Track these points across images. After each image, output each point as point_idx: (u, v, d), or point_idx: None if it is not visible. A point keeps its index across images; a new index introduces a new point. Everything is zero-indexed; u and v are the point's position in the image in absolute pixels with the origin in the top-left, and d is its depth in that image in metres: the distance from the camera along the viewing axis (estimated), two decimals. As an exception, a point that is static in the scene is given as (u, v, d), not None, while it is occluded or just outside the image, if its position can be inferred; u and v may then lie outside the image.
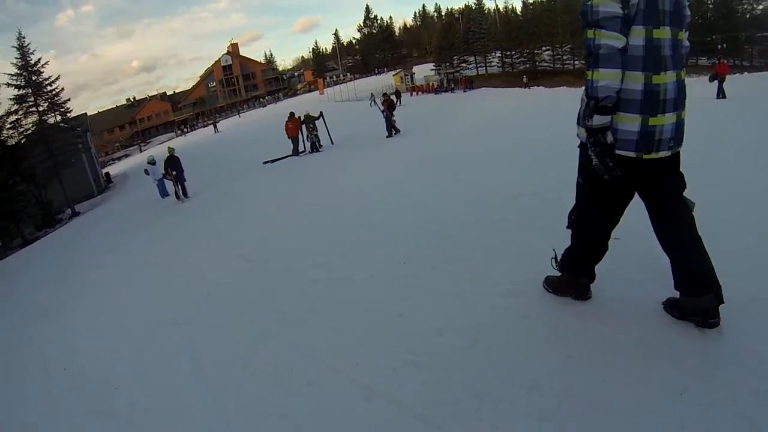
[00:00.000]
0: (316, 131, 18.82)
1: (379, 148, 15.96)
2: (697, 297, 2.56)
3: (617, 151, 2.44)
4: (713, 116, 12.19)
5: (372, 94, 20.71)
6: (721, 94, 19.03)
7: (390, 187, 8.63)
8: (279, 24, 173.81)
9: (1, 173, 27.41)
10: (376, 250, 5.28)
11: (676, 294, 2.71)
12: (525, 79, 51.27)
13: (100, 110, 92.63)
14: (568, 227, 3.01)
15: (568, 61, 59.99)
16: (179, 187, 15.07)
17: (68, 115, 33.72)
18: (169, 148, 16.37)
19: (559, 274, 3.24)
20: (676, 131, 2.42)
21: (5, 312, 8.47)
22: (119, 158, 70.65)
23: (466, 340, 3.17)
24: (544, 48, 61.19)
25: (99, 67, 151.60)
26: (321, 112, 19.36)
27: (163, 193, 17.07)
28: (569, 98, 22.21)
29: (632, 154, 2.42)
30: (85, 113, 44.64)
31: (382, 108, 19.41)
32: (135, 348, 4.66)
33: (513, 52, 62.47)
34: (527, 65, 60.09)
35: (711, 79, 19.52)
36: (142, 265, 8.15)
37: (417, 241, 5.27)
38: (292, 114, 19.70)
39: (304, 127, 18.85)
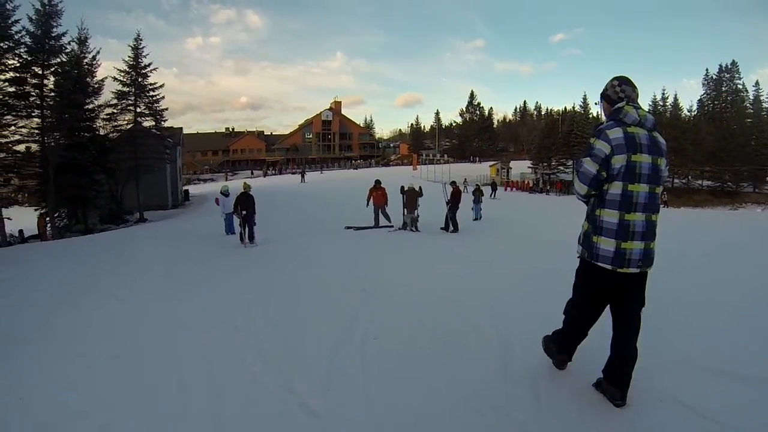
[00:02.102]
0: (417, 209, 16.65)
1: (465, 243, 13.84)
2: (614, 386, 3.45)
3: (599, 264, 3.29)
4: None
5: (443, 184, 18.11)
6: None
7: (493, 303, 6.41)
8: (383, 94, 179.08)
9: (83, 157, 27.58)
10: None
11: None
12: (664, 196, 43.72)
13: (200, 131, 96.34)
14: (563, 312, 3.77)
15: (667, 178, 55.66)
16: (246, 229, 13.21)
17: (163, 123, 34.18)
18: (245, 184, 14.56)
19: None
20: (643, 255, 3.23)
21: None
22: (204, 180, 72.58)
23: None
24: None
25: (211, 94, 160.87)
26: (421, 187, 17.32)
27: (229, 229, 15.44)
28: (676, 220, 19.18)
29: (609, 267, 3.25)
30: (181, 128, 45.74)
31: (447, 199, 16.99)
32: None
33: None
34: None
35: None
36: (155, 325, 5.94)
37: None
38: (378, 182, 17.80)
39: (404, 199, 16.74)
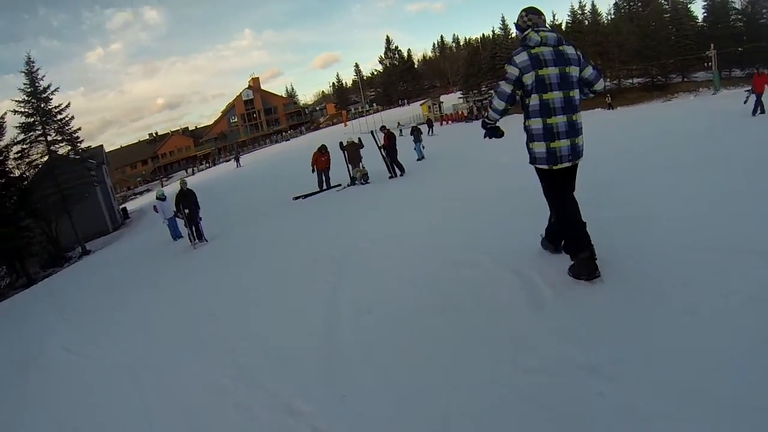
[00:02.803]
0: (361, 161, 16.20)
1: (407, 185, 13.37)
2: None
3: (538, 166, 3.93)
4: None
5: (372, 132, 17.31)
6: (759, 109, 16.13)
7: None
8: (299, 61, 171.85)
9: (2, 206, 25.56)
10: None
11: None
12: (608, 99, 43.41)
13: (122, 145, 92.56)
14: (555, 229, 4.26)
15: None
16: (192, 228, 12.45)
17: (79, 145, 31.52)
18: (181, 181, 13.59)
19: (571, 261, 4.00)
20: (571, 150, 3.81)
21: None
22: (140, 193, 70.18)
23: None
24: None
25: (125, 104, 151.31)
26: (360, 138, 16.87)
27: (175, 234, 14.50)
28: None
29: (545, 167, 3.87)
30: (101, 145, 43.12)
31: (380, 143, 16.02)
32: None
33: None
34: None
35: (747, 99, 16.80)
36: (116, 374, 5.02)
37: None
38: (324, 147, 16.96)
39: (346, 155, 16.26)
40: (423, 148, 21.42)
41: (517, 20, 4.04)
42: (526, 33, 3.85)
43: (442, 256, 5.27)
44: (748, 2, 59.36)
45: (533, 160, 3.92)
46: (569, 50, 3.82)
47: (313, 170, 16.75)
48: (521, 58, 3.74)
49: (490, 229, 6.02)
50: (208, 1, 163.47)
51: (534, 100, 3.75)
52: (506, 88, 3.83)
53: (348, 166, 16.14)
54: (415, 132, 22.31)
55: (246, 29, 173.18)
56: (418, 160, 20.24)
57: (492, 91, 4.00)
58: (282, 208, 14.77)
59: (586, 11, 67.50)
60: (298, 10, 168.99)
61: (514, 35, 71.29)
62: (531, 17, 3.93)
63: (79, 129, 31.16)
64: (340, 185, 16.06)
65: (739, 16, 59.15)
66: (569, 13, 67.60)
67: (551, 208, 4.17)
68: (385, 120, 44.69)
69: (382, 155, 15.85)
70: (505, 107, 3.95)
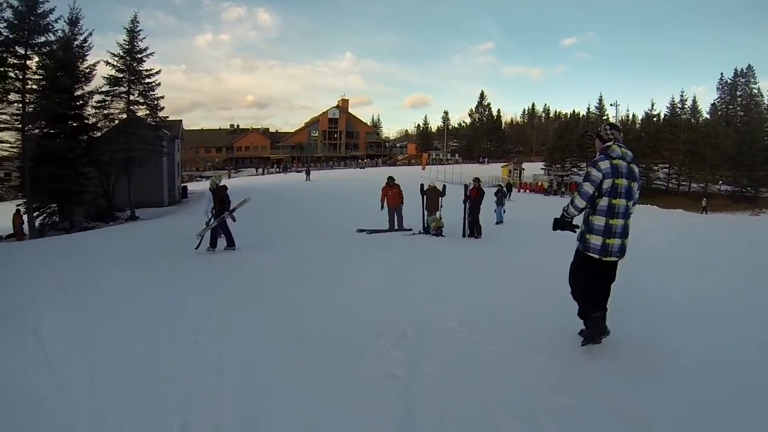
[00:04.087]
0: (439, 211, 14.42)
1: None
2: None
3: (589, 254, 4.28)
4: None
5: (466, 184, 15.17)
6: None
7: None
8: (391, 95, 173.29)
9: (66, 147, 25.16)
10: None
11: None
12: (704, 202, 43.72)
13: (204, 128, 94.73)
14: (572, 296, 4.54)
15: (684, 182, 57.80)
16: (220, 229, 11.17)
17: (159, 113, 31.49)
18: (212, 179, 12.08)
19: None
20: (620, 249, 4.27)
21: None
22: (207, 177, 70.24)
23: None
24: (661, 165, 58.61)
25: (218, 91, 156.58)
26: (444, 186, 15.16)
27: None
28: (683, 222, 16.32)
29: (596, 256, 4.26)
30: (180, 120, 43.94)
31: (467, 194, 14.44)
32: None
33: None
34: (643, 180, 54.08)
35: None
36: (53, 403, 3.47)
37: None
38: (391, 179, 15.35)
39: (424, 200, 14.61)
40: (504, 212, 19.60)
41: (600, 131, 4.57)
42: (609, 144, 4.33)
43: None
44: None
45: (587, 248, 4.31)
46: (636, 169, 4.37)
47: (382, 207, 15.18)
48: (605, 165, 4.20)
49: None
50: (320, 18, 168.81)
51: (604, 202, 4.20)
52: (589, 189, 4.22)
53: (424, 212, 14.43)
54: (500, 194, 20.34)
55: (348, 52, 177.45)
56: (497, 223, 18.57)
57: (576, 192, 4.40)
58: (343, 236, 13.38)
59: (686, 106, 64.74)
60: (402, 48, 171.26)
61: (609, 114, 72.27)
62: (613, 132, 4.44)
63: (162, 97, 31.38)
64: (411, 230, 14.44)
65: None
66: (668, 105, 66.15)
67: (572, 285, 4.54)
68: (464, 174, 42.86)
69: (468, 209, 14.19)
70: (585, 206, 4.30)
